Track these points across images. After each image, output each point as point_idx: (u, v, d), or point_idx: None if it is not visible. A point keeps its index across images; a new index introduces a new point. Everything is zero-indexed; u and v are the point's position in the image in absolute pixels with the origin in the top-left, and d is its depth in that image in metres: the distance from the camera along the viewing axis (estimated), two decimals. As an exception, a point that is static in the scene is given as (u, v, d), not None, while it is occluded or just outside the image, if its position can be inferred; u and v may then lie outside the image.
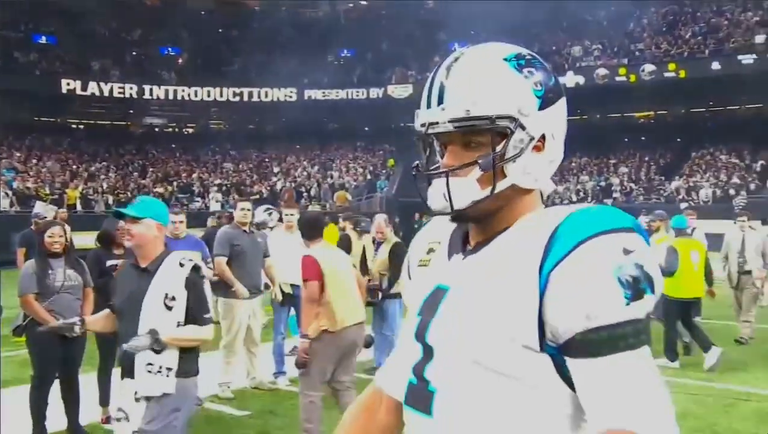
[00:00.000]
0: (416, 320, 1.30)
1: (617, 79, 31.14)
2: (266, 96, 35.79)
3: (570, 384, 1.13)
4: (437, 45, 35.92)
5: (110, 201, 23.70)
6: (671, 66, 29.95)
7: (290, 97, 36.20)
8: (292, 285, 6.72)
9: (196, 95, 35.59)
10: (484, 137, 1.23)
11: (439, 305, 1.26)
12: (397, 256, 6.85)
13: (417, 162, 1.34)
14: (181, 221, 6.12)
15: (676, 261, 7.49)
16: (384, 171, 33.70)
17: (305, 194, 29.10)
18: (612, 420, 1.07)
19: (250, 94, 35.79)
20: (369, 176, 32.05)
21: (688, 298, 7.68)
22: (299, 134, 36.19)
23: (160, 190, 27.29)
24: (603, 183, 30.38)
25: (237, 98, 35.84)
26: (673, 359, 7.50)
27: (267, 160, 35.09)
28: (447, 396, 1.21)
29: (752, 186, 27.13)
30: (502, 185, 1.22)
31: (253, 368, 6.51)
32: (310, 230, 4.90)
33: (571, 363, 1.12)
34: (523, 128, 1.22)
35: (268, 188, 29.87)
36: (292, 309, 6.87)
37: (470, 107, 1.21)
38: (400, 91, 36.02)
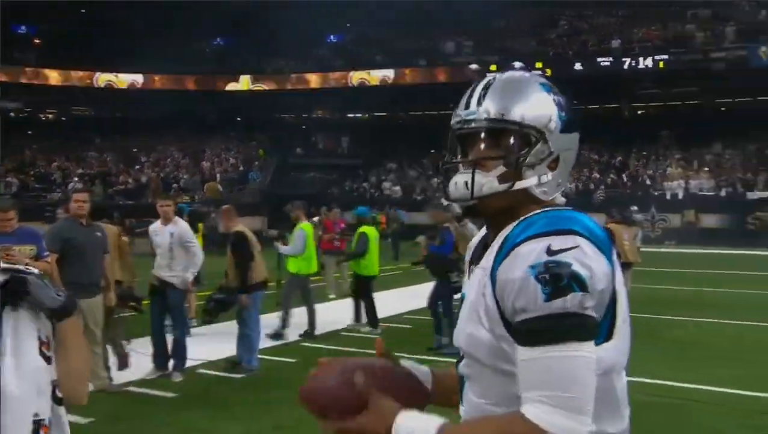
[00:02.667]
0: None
1: (488, 75, 31.96)
2: (135, 82, 34.32)
3: None
4: (314, 37, 35.67)
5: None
6: (538, 64, 31.13)
7: (161, 84, 34.90)
8: (160, 280, 6.64)
9: (56, 79, 33.56)
10: (510, 140, 1.41)
11: (460, 310, 1.44)
12: (234, 245, 6.89)
13: (445, 157, 1.50)
14: (10, 219, 5.42)
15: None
16: (257, 163, 33.11)
17: (174, 186, 28.08)
18: (522, 408, 1.24)
19: (119, 79, 34.19)
20: (242, 167, 31.38)
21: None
22: (170, 123, 34.88)
23: (12, 180, 25.52)
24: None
25: (103, 84, 34.12)
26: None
27: (135, 149, 33.61)
28: (466, 389, 1.43)
29: (609, 181, 28.75)
30: (519, 185, 1.38)
31: (99, 368, 6.10)
32: None
33: (515, 349, 1.28)
34: (546, 141, 1.41)
35: (135, 179, 28.61)
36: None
37: (505, 112, 1.40)
38: (273, 82, 35.54)
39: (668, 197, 26.98)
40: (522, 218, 1.34)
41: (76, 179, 26.73)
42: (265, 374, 6.85)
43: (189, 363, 6.85)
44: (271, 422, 5.24)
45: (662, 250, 23.42)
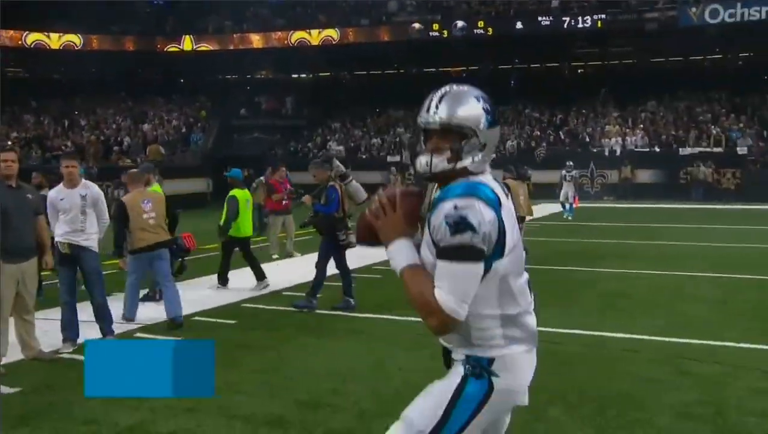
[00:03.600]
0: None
1: (431, 34, 32.09)
2: (70, 43, 33.22)
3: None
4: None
5: None
6: (480, 23, 31.34)
7: (99, 45, 33.89)
8: (70, 245, 6.25)
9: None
10: (455, 136, 2.23)
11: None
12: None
13: (410, 141, 2.22)
14: None
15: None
16: (199, 124, 32.65)
17: (116, 148, 27.55)
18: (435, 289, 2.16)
19: (54, 40, 33.03)
20: (184, 130, 30.93)
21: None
22: (110, 85, 33.98)
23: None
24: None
25: (37, 42, 32.93)
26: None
27: (76, 112, 32.68)
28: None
29: (551, 139, 29.40)
30: (460, 164, 2.22)
31: (30, 337, 5.92)
32: None
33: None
34: (477, 136, 2.24)
35: (73, 142, 27.92)
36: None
37: (451, 117, 2.23)
38: (215, 42, 34.89)
39: (606, 153, 27.79)
40: (450, 184, 2.21)
41: (9, 143, 25.96)
42: (204, 335, 6.69)
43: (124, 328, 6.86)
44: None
45: (600, 205, 24.27)
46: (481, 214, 2.09)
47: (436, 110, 2.24)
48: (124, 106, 33.98)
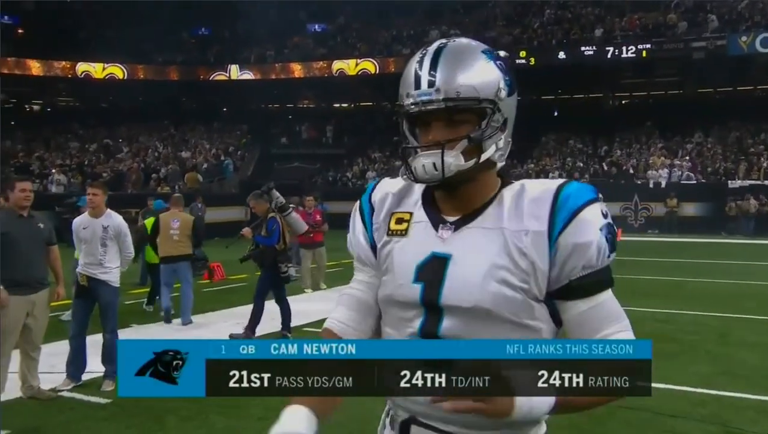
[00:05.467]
0: (418, 286, 1.49)
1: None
2: (115, 73, 33.95)
3: (557, 324, 1.50)
4: (296, 26, 35.43)
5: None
6: (522, 53, 31.02)
7: (144, 74, 34.57)
8: (87, 277, 6.05)
9: (39, 69, 33.15)
10: (467, 116, 1.47)
11: (445, 271, 1.47)
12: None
13: (398, 138, 1.55)
14: None
15: None
16: (239, 152, 32.85)
17: (154, 176, 27.81)
18: (606, 331, 1.45)
19: (100, 70, 33.81)
20: (223, 158, 31.14)
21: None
22: (152, 114, 34.56)
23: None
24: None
25: (85, 72, 33.72)
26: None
27: (120, 140, 33.24)
28: None
29: (591, 170, 28.75)
30: (483, 158, 1.47)
31: (31, 375, 5.62)
32: None
33: (564, 304, 1.46)
34: (499, 110, 1.49)
35: (113, 169, 28.31)
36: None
37: (459, 90, 1.44)
38: (257, 72, 35.25)
39: (651, 185, 27.01)
40: (553, 187, 1.49)
41: (54, 170, 26.42)
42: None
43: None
44: (207, 430, 4.95)
45: (644, 239, 23.49)
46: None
47: (433, 80, 1.46)
48: (166, 134, 34.44)
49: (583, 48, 30.15)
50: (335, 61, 33.92)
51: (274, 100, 39.07)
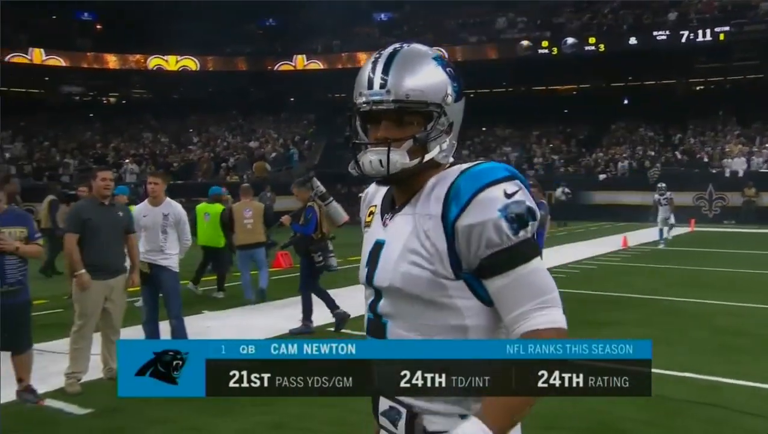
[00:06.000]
0: (365, 270, 1.67)
1: (540, 51, 31.36)
2: (186, 65, 34.81)
3: (485, 300, 1.53)
4: (362, 15, 35.47)
5: (12, 172, 22.61)
6: (591, 39, 30.32)
7: (214, 65, 35.32)
8: (149, 264, 6.27)
9: (115, 63, 34.29)
10: (415, 118, 1.58)
11: (379, 255, 1.62)
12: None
13: (348, 134, 1.66)
14: None
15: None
16: (305, 142, 33.23)
17: (223, 165, 28.42)
18: (524, 307, 1.47)
19: (173, 62, 34.73)
20: (291, 147, 31.56)
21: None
22: (222, 104, 35.31)
23: (69, 161, 26.25)
24: (526, 154, 30.74)
25: (158, 65, 34.71)
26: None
27: (190, 130, 34.12)
28: (394, 325, 1.59)
29: (663, 159, 27.87)
30: (428, 157, 1.57)
31: (111, 358, 5.82)
32: None
33: (485, 282, 1.51)
34: (445, 114, 1.60)
35: (183, 159, 29.08)
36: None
37: (410, 93, 1.56)
38: (324, 61, 35.51)
39: (727, 174, 26.03)
40: (461, 169, 1.56)
41: (127, 160, 27.31)
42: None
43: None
44: (271, 419, 4.90)
45: (719, 229, 22.72)
46: (529, 196, 1.53)
47: (384, 82, 1.56)
48: (235, 124, 35.13)
49: (655, 33, 29.23)
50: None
51: (341, 90, 39.28)
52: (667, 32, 28.96)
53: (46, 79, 34.87)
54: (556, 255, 13.57)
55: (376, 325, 1.63)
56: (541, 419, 4.50)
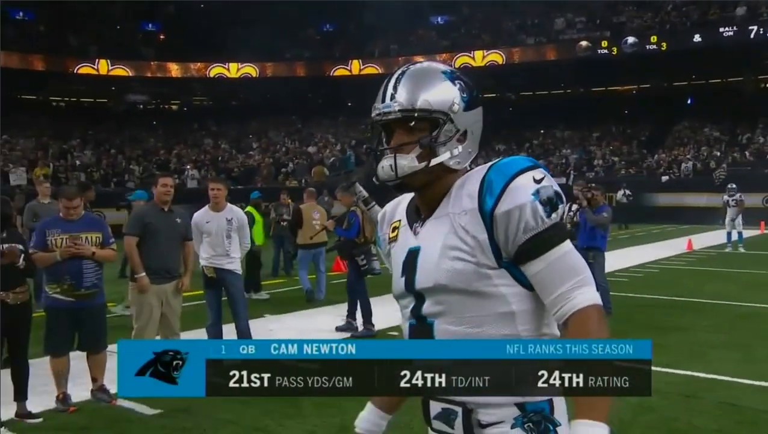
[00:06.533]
0: (402, 280, 1.74)
1: (600, 51, 30.83)
2: (246, 72, 35.44)
3: (526, 286, 1.62)
4: (419, 18, 35.48)
5: (82, 179, 23.38)
6: (653, 38, 29.65)
7: (273, 71, 35.86)
8: (215, 269, 6.37)
9: (177, 71, 35.19)
10: (423, 125, 1.68)
11: (416, 260, 1.70)
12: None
13: (367, 147, 1.80)
14: (76, 206, 5.24)
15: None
16: (363, 146, 33.41)
17: (283, 170, 28.80)
18: (562, 288, 1.57)
19: (233, 69, 35.43)
20: (349, 152, 31.77)
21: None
22: (281, 109, 35.79)
23: (133, 167, 27.02)
24: (585, 156, 30.24)
25: (219, 74, 35.45)
26: None
27: (250, 136, 34.70)
28: (441, 322, 1.65)
29: (729, 159, 27.00)
30: (434, 161, 1.66)
31: None
32: None
33: (523, 268, 1.60)
34: (452, 121, 1.69)
35: (242, 164, 29.59)
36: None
37: (415, 102, 1.68)
38: (381, 66, 35.66)
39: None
40: (487, 166, 1.66)
41: (189, 166, 27.93)
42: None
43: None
44: (338, 421, 4.89)
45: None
46: (554, 182, 1.64)
47: (393, 95, 1.69)
48: (293, 129, 35.57)
49: (722, 29, 28.36)
50: (459, 53, 33.71)
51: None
52: (735, 28, 28.05)
53: (113, 88, 36.01)
54: (617, 258, 13.25)
55: (420, 328, 1.69)
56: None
